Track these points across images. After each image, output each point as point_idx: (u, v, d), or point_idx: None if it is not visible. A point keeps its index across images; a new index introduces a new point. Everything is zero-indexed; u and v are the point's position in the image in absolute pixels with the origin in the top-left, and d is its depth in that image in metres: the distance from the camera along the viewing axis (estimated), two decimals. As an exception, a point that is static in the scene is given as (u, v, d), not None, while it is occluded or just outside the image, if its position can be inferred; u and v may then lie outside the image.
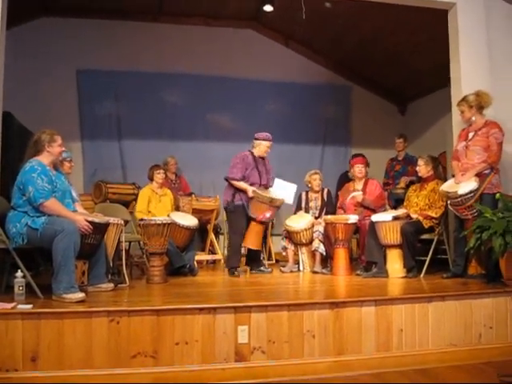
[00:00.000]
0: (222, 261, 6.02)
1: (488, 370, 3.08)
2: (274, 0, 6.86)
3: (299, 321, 3.09)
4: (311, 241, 5.22)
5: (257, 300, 3.33)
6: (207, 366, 2.92)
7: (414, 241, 4.45)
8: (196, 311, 2.97)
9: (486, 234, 3.74)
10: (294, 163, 7.33)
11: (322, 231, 5.15)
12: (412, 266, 4.45)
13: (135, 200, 5.76)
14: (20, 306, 2.86)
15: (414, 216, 4.58)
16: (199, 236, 5.84)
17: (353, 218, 4.94)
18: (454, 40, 4.86)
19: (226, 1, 7.11)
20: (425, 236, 4.60)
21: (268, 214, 4.93)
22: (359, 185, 5.34)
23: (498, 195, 4.00)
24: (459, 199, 4.07)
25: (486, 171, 4.11)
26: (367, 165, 5.54)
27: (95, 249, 3.60)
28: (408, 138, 6.57)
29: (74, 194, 4.03)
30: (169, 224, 4.39)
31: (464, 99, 4.31)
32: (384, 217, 4.63)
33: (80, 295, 3.12)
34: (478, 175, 4.10)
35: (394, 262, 4.56)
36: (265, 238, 5.69)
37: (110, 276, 3.85)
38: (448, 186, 4.31)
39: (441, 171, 5.24)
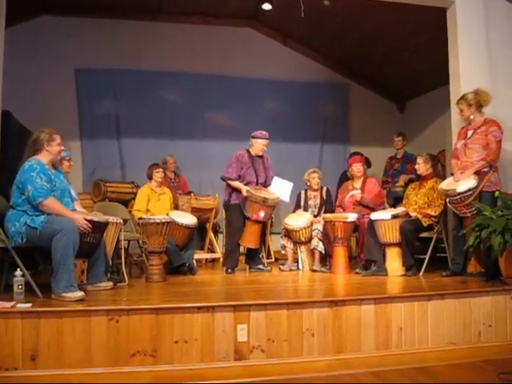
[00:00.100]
0: (221, 259, 6.02)
1: (487, 368, 3.08)
2: (272, -2, 6.86)
3: (298, 319, 3.10)
4: (310, 239, 5.22)
5: (256, 298, 3.34)
6: (206, 365, 2.92)
7: (413, 239, 4.46)
8: (195, 310, 2.97)
9: (485, 232, 3.74)
10: (292, 161, 7.33)
11: (321, 229, 5.16)
12: (411, 265, 4.45)
13: (134, 199, 5.76)
14: (19, 305, 2.86)
15: (413, 214, 4.57)
16: (198, 235, 5.85)
17: (352, 217, 4.93)
18: (452, 38, 4.86)
19: (225, -1, 7.11)
20: (424, 234, 4.61)
21: (262, 214, 4.92)
22: (358, 183, 5.34)
23: (497, 193, 4.00)
24: (458, 197, 4.07)
25: (485, 169, 4.11)
26: (369, 165, 5.52)
27: (94, 248, 3.60)
28: (407, 136, 6.56)
29: (73, 193, 4.03)
30: (168, 223, 4.40)
31: (463, 98, 4.30)
32: (383, 215, 4.63)
33: (79, 294, 3.12)
34: (476, 173, 4.09)
35: (393, 261, 4.55)
36: (264, 236, 5.68)
37: (109, 275, 3.86)
38: (447, 184, 4.30)
39: (440, 169, 5.23)
